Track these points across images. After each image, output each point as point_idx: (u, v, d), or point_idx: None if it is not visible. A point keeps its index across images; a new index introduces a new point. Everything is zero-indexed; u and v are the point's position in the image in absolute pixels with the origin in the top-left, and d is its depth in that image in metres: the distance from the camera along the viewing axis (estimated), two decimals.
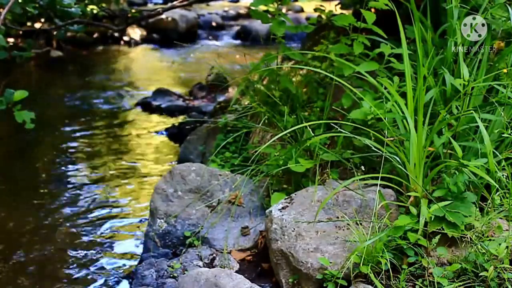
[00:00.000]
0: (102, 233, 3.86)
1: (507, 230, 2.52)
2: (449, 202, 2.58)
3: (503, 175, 2.64)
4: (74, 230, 3.91)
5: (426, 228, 2.57)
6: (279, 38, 3.83)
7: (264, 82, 3.93)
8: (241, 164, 3.58)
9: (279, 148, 3.39)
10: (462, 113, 2.83)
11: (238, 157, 3.79)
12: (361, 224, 2.71)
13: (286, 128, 3.42)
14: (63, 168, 4.96)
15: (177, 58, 9.37)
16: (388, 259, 2.45)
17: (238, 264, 3.02)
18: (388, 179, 2.77)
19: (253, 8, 3.90)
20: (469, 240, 2.52)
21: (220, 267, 2.96)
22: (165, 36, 10.30)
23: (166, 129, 5.82)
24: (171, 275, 2.97)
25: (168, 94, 6.80)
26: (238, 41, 10.68)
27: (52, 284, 3.29)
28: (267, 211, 2.94)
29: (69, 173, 4.83)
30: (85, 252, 3.62)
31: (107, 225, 3.96)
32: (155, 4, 12.35)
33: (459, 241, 2.54)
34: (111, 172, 4.86)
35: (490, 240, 2.46)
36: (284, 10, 10.57)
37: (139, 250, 3.51)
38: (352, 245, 2.58)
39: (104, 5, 9.15)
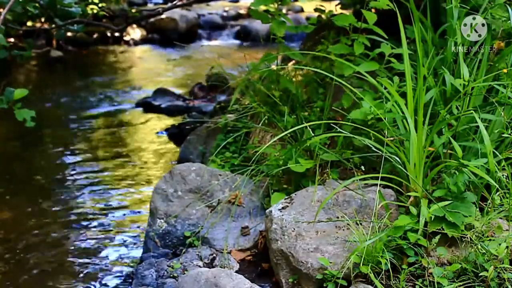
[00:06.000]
0: (101, 233, 3.86)
1: (507, 230, 2.52)
2: (449, 202, 2.59)
3: (503, 175, 2.64)
4: (73, 229, 3.91)
5: (426, 228, 2.57)
6: (279, 38, 3.83)
7: (264, 82, 3.93)
8: (241, 164, 3.58)
9: (279, 148, 3.40)
10: (462, 113, 2.83)
11: (238, 157, 3.79)
12: (361, 224, 2.71)
13: (286, 128, 3.42)
14: (63, 168, 4.96)
15: (177, 58, 9.37)
16: (388, 259, 2.45)
17: (238, 264, 3.02)
18: (388, 179, 2.77)
19: (253, 8, 3.90)
20: (469, 240, 2.52)
21: (220, 267, 2.96)
22: (165, 36, 10.29)
23: (166, 129, 5.82)
24: (171, 275, 2.97)
25: (168, 94, 6.79)
26: (238, 41, 10.68)
27: (52, 284, 3.29)
28: (267, 211, 2.94)
29: (69, 173, 4.83)
30: (85, 252, 3.62)
31: (107, 225, 3.96)
32: (155, 4, 12.35)
33: (459, 241, 2.54)
34: (111, 172, 4.86)
35: (490, 240, 2.47)
36: (284, 10, 10.57)
37: (139, 250, 3.50)
38: (352, 245, 2.58)
39: (104, 5, 9.16)
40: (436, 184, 2.80)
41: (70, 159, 5.14)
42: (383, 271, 2.46)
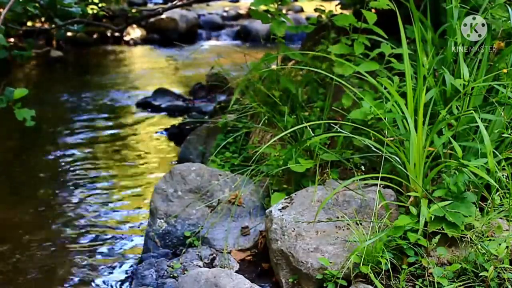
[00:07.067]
0: (102, 233, 3.86)
1: (507, 230, 2.52)
2: (449, 202, 2.59)
3: (503, 175, 2.64)
4: (73, 230, 3.90)
5: (426, 228, 2.57)
6: (279, 38, 3.83)
7: (264, 82, 3.93)
8: (241, 164, 3.58)
9: (279, 148, 3.39)
10: (462, 113, 2.83)
11: (238, 157, 3.79)
12: (361, 224, 2.71)
13: (286, 128, 3.42)
14: (63, 168, 4.96)
15: (177, 58, 9.37)
16: (388, 259, 2.45)
17: (238, 264, 3.02)
18: (388, 179, 2.77)
19: (253, 8, 3.90)
20: (469, 240, 2.52)
21: (220, 267, 2.96)
22: (165, 36, 10.29)
23: (166, 129, 5.82)
24: (171, 275, 2.97)
25: (168, 94, 6.79)
26: (238, 41, 10.68)
27: (52, 284, 3.29)
28: (267, 211, 2.94)
29: (69, 173, 4.83)
30: (85, 252, 3.62)
31: (107, 225, 3.96)
32: (155, 4, 12.35)
33: (459, 241, 2.54)
34: (111, 172, 4.86)
35: (490, 240, 2.47)
36: (284, 10, 10.57)
37: (139, 250, 3.50)
38: (352, 245, 2.58)
39: (104, 5, 9.16)
40: (436, 184, 2.80)
41: (70, 159, 5.14)
42: (383, 271, 2.46)
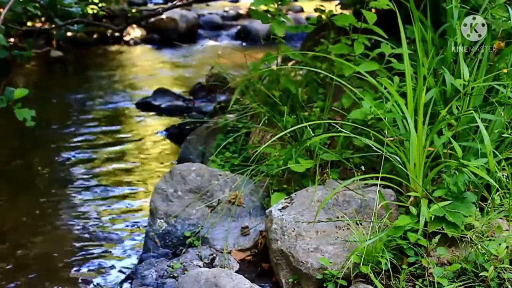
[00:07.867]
0: (101, 232, 3.86)
1: (507, 230, 2.52)
2: (449, 202, 2.59)
3: (503, 175, 2.64)
4: (73, 230, 3.90)
5: (426, 228, 2.57)
6: (279, 38, 3.83)
7: (264, 82, 3.93)
8: (241, 164, 3.58)
9: (279, 148, 3.40)
10: (462, 113, 2.83)
11: (238, 157, 3.80)
12: (361, 224, 2.71)
13: (286, 128, 3.42)
14: (63, 168, 4.96)
15: (177, 58, 9.37)
16: (388, 259, 2.45)
17: (238, 264, 3.02)
18: (388, 179, 2.77)
19: (253, 8, 3.90)
20: (469, 240, 2.52)
21: (220, 267, 2.96)
22: (165, 36, 10.29)
23: (166, 129, 5.82)
24: (171, 275, 2.97)
25: (168, 94, 6.79)
26: (238, 41, 10.68)
27: (52, 284, 3.29)
28: (267, 211, 2.94)
29: (69, 173, 4.83)
30: (85, 252, 3.62)
31: (106, 225, 3.96)
32: (155, 4, 12.35)
33: (459, 241, 2.55)
34: (111, 172, 4.86)
35: (490, 240, 2.47)
36: (284, 10, 10.57)
37: (139, 250, 3.51)
38: (352, 245, 2.58)
39: (104, 5, 9.16)
40: (436, 184, 2.80)
41: (70, 159, 5.14)
42: (383, 271, 2.46)
